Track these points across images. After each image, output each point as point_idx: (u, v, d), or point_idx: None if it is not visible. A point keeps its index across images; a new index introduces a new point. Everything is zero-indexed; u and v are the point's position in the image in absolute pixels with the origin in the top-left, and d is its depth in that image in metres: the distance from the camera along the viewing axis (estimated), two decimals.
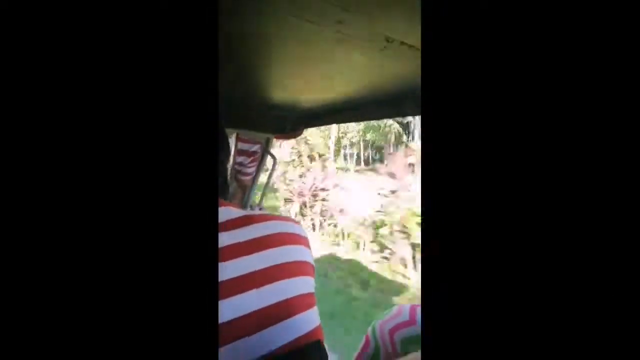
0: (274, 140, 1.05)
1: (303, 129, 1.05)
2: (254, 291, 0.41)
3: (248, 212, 0.49)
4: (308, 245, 0.51)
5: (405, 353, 0.61)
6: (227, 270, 0.41)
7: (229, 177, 0.59)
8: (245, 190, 1.05)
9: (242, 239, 0.44)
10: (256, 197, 1.14)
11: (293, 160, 9.43)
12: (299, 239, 0.50)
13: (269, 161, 1.10)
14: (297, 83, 0.68)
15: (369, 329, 0.71)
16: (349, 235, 7.86)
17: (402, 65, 0.51)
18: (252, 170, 1.05)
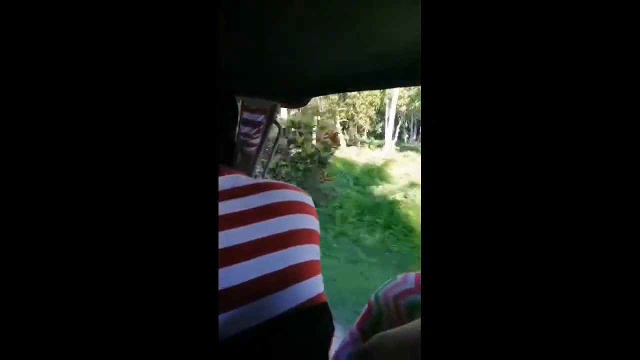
0: (280, 108, 1.03)
1: (310, 98, 1.02)
2: (263, 257, 0.43)
3: (257, 180, 0.50)
4: (315, 214, 0.52)
5: (411, 319, 0.63)
6: (238, 236, 0.43)
7: (236, 145, 0.59)
8: (250, 160, 1.05)
9: (251, 206, 0.45)
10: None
11: None
12: (307, 208, 0.51)
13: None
14: (307, 49, 0.64)
15: (372, 297, 0.72)
16: None
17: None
18: (257, 140, 1.04)
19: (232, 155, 0.55)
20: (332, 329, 0.47)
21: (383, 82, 0.78)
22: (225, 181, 0.47)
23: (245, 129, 1.01)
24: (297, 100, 1.01)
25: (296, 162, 6.64)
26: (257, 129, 1.03)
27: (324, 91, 0.99)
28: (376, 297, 0.71)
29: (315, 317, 0.45)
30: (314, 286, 0.47)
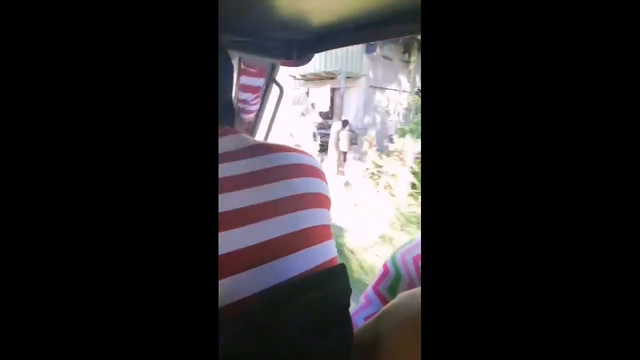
0: (280, 66, 0.94)
1: (312, 55, 0.93)
2: (273, 219, 0.42)
3: (264, 141, 0.49)
4: (325, 179, 0.51)
5: None
6: (247, 197, 0.42)
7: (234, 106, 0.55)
8: (249, 127, 0.99)
9: (261, 167, 0.44)
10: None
11: None
12: (317, 172, 0.50)
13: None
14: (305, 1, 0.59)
15: (388, 259, 0.72)
16: None
17: None
18: (255, 107, 0.97)
19: (231, 114, 0.52)
20: (350, 289, 0.47)
21: (394, 29, 0.73)
22: (230, 141, 0.45)
23: (244, 95, 0.93)
24: (299, 57, 0.92)
25: None
26: (256, 94, 0.95)
27: (327, 46, 0.90)
28: (393, 259, 0.70)
29: (333, 278, 0.45)
30: (328, 249, 0.47)
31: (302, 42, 0.88)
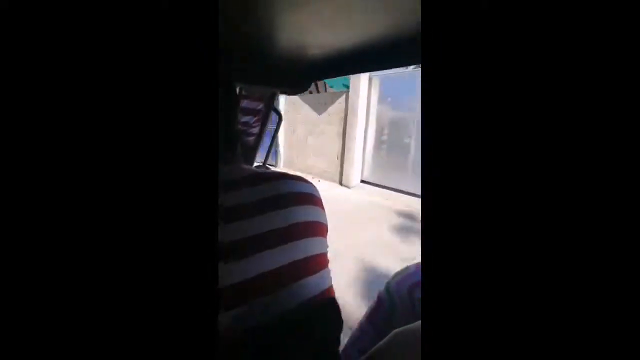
0: (279, 95, 1.00)
1: (310, 84, 1.00)
2: (269, 251, 0.42)
3: (263, 170, 0.48)
4: (322, 206, 0.51)
5: None
6: (243, 229, 0.41)
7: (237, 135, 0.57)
8: (250, 150, 1.03)
9: (256, 198, 0.44)
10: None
11: None
12: (314, 199, 0.49)
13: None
14: (303, 33, 0.63)
15: (382, 288, 0.69)
16: None
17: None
18: (256, 129, 1.02)
19: (234, 145, 0.53)
20: (341, 324, 0.46)
21: (384, 63, 0.76)
22: (228, 171, 0.46)
23: (245, 118, 0.98)
24: (296, 86, 0.98)
25: None
26: (256, 117, 1.00)
27: (323, 75, 0.96)
28: (387, 289, 0.67)
29: (323, 312, 0.44)
30: (322, 280, 0.46)
31: (300, 72, 0.94)
